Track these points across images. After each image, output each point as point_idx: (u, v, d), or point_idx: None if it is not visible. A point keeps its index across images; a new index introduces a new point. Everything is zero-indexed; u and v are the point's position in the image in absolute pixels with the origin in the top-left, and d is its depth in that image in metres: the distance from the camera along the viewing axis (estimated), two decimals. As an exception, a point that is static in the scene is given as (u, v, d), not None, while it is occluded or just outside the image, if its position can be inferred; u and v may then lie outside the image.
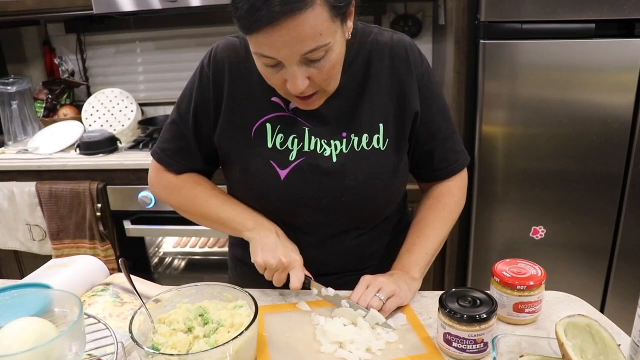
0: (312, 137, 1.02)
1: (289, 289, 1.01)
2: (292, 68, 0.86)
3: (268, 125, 1.02)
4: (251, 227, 1.05)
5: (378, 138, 1.03)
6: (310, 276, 1.02)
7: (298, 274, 0.99)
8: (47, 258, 2.20)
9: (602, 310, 1.97)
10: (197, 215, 1.13)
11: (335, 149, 1.02)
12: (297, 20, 0.79)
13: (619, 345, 0.76)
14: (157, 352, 0.78)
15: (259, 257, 1.00)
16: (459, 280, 2.08)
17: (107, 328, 0.85)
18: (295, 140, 1.02)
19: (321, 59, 0.86)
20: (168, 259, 2.60)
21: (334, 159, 1.02)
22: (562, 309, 0.98)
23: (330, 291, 1.01)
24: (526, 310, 0.93)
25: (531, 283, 0.92)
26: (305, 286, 1.01)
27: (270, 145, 1.02)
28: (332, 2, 0.82)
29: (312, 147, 1.02)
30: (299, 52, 0.83)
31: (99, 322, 0.87)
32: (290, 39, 0.81)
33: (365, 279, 1.01)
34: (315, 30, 0.82)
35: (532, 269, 0.95)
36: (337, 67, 0.92)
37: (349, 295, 1.01)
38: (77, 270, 1.10)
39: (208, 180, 1.16)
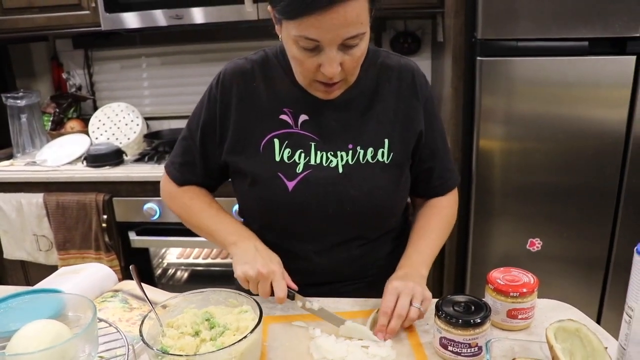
0: (318, 152, 1.07)
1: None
2: (332, 52, 0.92)
3: (276, 141, 1.08)
4: (233, 242, 1.09)
5: (383, 152, 1.08)
6: (296, 288, 1.02)
7: (280, 284, 0.99)
8: (53, 268, 2.23)
9: (598, 321, 1.99)
10: (192, 224, 1.19)
11: (342, 160, 1.07)
12: (349, 6, 0.87)
13: (606, 348, 0.80)
14: (166, 353, 0.82)
15: (238, 270, 1.02)
16: (457, 291, 2.11)
17: (118, 331, 0.89)
18: (302, 154, 1.07)
19: (355, 46, 0.94)
20: (172, 270, 2.63)
21: (340, 170, 1.07)
22: (554, 316, 1.01)
23: (315, 305, 1.01)
24: (519, 316, 0.97)
25: (524, 290, 0.95)
26: (290, 297, 1.01)
27: (278, 159, 1.07)
28: None
29: (318, 161, 1.07)
30: (343, 36, 0.90)
31: (110, 325, 0.91)
32: (339, 22, 0.88)
33: (394, 288, 0.99)
34: (359, 19, 0.90)
35: (525, 277, 0.99)
36: (362, 58, 0.99)
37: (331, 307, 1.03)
38: (88, 277, 1.14)
39: (208, 193, 1.22)
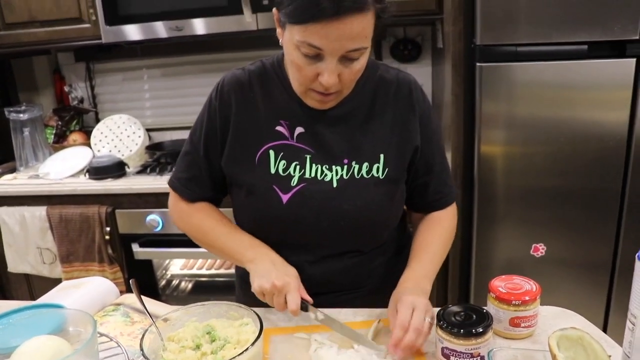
0: (314, 165, 1.07)
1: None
2: (332, 62, 0.92)
3: (271, 152, 1.08)
4: (251, 258, 1.08)
5: (378, 167, 1.08)
6: (310, 300, 1.02)
7: (293, 297, 0.98)
8: (57, 281, 2.25)
9: (604, 326, 1.97)
10: (205, 243, 1.19)
11: (336, 174, 1.07)
12: (358, 19, 0.87)
13: (610, 356, 0.79)
14: (167, 368, 0.82)
15: (255, 284, 1.02)
16: (461, 298, 2.10)
17: (119, 346, 0.89)
18: (297, 167, 1.07)
19: (355, 60, 0.94)
20: (175, 281, 2.63)
21: (334, 184, 1.07)
22: (558, 324, 1.00)
23: (327, 316, 1.01)
24: (522, 324, 0.96)
25: (526, 298, 0.95)
26: (304, 309, 1.01)
27: (273, 171, 1.07)
28: (379, 11, 0.91)
29: (312, 174, 1.07)
30: (346, 48, 0.90)
31: (111, 340, 0.91)
32: (345, 34, 0.88)
33: (410, 302, 0.96)
34: (365, 33, 0.90)
35: (527, 285, 0.99)
36: (361, 72, 0.99)
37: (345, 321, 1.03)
38: (89, 292, 1.14)
39: (218, 210, 1.21)
